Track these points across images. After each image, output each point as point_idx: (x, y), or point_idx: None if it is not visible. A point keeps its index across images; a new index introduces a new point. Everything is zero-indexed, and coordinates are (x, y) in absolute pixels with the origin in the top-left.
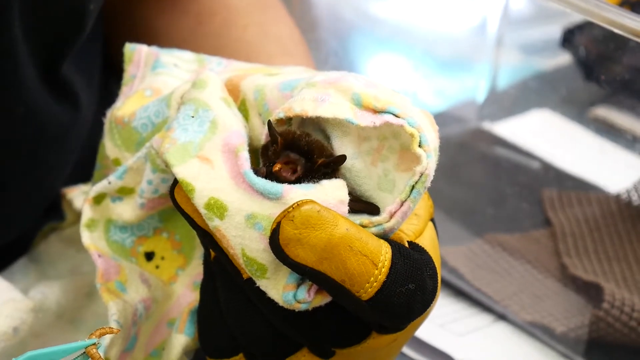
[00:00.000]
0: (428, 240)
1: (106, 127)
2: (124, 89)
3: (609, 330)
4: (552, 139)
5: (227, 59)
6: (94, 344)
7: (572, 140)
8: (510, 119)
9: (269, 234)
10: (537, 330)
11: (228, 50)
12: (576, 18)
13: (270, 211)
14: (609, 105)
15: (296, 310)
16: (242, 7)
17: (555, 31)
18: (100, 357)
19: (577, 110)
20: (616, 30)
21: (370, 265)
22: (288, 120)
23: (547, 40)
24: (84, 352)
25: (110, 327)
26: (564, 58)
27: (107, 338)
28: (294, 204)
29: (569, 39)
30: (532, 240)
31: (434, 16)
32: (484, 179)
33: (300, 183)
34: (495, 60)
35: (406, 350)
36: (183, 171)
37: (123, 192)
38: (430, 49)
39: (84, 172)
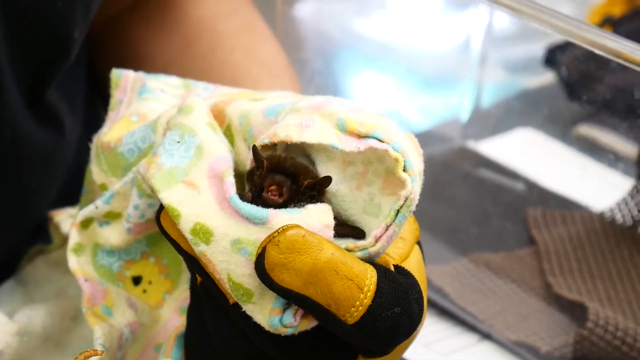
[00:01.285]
0: (414, 264)
1: (92, 152)
2: (111, 114)
3: (593, 349)
4: (536, 157)
5: (213, 83)
6: None
7: (556, 159)
8: (494, 138)
9: (254, 258)
10: (521, 350)
11: (214, 73)
12: (559, 37)
13: (256, 236)
14: (592, 124)
15: (282, 334)
16: (228, 30)
17: (538, 49)
18: None
19: (561, 128)
20: (597, 51)
21: (355, 289)
22: (273, 145)
23: (531, 59)
24: None
25: (94, 350)
26: (548, 76)
27: None
28: (279, 228)
29: (551, 58)
30: (516, 259)
31: (418, 34)
32: (468, 198)
33: (286, 207)
34: (479, 78)
35: None
36: (169, 196)
37: (110, 217)
38: (414, 67)
39: (70, 195)
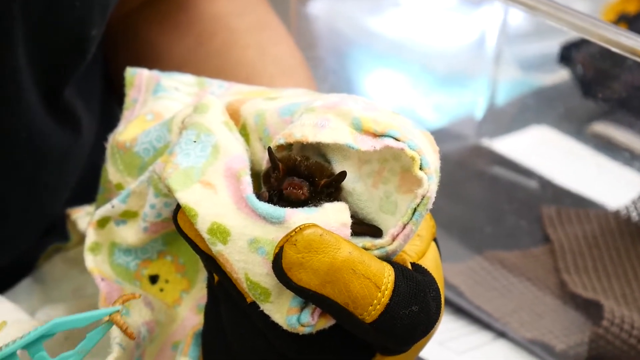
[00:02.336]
0: (431, 262)
1: (108, 152)
2: (126, 114)
3: (608, 348)
4: (551, 155)
5: (228, 81)
6: (118, 311)
7: (571, 157)
8: (509, 136)
9: (272, 258)
10: (536, 348)
11: (229, 71)
12: (574, 35)
13: (273, 235)
14: (607, 122)
15: (300, 333)
16: (242, 28)
17: (553, 47)
18: (124, 323)
19: (576, 126)
20: (612, 49)
21: (373, 288)
22: (289, 145)
23: (546, 56)
24: (109, 320)
25: (132, 294)
26: (563, 74)
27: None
28: (296, 227)
29: (566, 55)
30: (531, 257)
31: (432, 32)
32: (482, 196)
33: (303, 207)
34: (494, 76)
35: None
36: (186, 196)
37: (127, 216)
38: (429, 65)
39: (86, 193)
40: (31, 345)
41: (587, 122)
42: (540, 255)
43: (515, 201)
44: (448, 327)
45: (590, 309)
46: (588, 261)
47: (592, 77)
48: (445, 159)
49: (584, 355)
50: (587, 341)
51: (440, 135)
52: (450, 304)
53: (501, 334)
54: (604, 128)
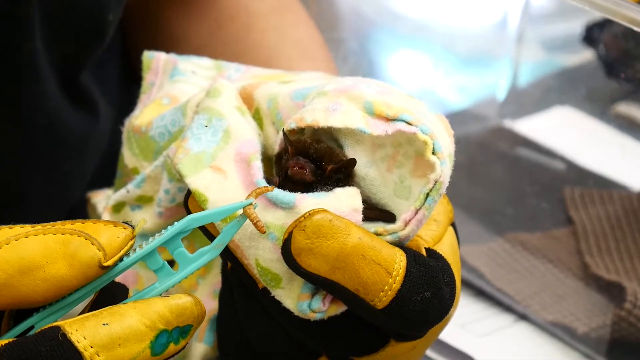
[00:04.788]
0: (447, 246)
1: (124, 136)
2: (143, 97)
3: (631, 330)
4: (574, 136)
5: (245, 65)
6: (251, 204)
7: (594, 138)
8: (532, 117)
9: (281, 243)
10: (558, 331)
11: (248, 55)
12: (597, 15)
13: (283, 221)
14: (631, 102)
15: (312, 319)
16: (261, 10)
17: (577, 27)
18: (256, 216)
19: (599, 107)
20: (636, 28)
21: (384, 273)
22: (301, 130)
23: (569, 37)
24: (242, 213)
25: (265, 187)
26: (586, 54)
27: None
28: (305, 213)
29: (590, 35)
30: (553, 239)
31: (454, 12)
32: (504, 178)
33: (313, 191)
34: (517, 56)
35: (426, 350)
36: (196, 182)
37: (142, 201)
38: (451, 46)
39: (105, 178)
40: (169, 241)
41: (610, 102)
42: (562, 237)
43: (537, 183)
44: (469, 309)
45: (613, 291)
46: (611, 243)
47: (616, 57)
48: (467, 141)
49: (606, 338)
50: (609, 323)
51: (462, 117)
52: (471, 286)
53: (522, 317)
54: (627, 108)
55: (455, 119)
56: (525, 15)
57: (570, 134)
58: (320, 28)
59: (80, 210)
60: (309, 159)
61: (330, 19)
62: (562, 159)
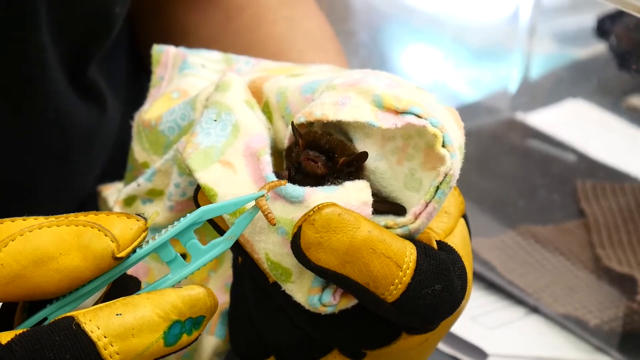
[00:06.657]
0: (458, 239)
1: (134, 130)
2: (152, 91)
3: None
4: (586, 128)
5: (255, 57)
6: (263, 195)
7: (606, 130)
8: (543, 109)
9: (291, 237)
10: (570, 323)
11: (258, 47)
12: (610, 7)
13: (292, 215)
14: None
15: (322, 313)
16: (271, 2)
17: (589, 20)
18: (268, 208)
19: (611, 99)
20: None
21: (394, 267)
22: (310, 123)
23: (581, 29)
24: (254, 205)
25: (279, 180)
26: (598, 47)
27: None
28: (314, 207)
29: (602, 27)
30: (565, 231)
31: (466, 5)
32: (516, 170)
33: (323, 185)
34: (528, 49)
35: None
36: (205, 176)
37: (153, 194)
38: (463, 38)
39: (114, 171)
40: (182, 233)
41: (622, 94)
42: (574, 230)
43: (549, 175)
44: (480, 302)
45: (625, 284)
46: (623, 235)
47: (628, 49)
48: (478, 133)
49: (618, 331)
50: (621, 316)
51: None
52: (482, 279)
53: (534, 309)
54: (639, 100)
55: (467, 111)
56: (537, 8)
57: (582, 127)
58: (330, 20)
59: (91, 204)
60: (320, 150)
61: (341, 11)
62: (573, 151)
